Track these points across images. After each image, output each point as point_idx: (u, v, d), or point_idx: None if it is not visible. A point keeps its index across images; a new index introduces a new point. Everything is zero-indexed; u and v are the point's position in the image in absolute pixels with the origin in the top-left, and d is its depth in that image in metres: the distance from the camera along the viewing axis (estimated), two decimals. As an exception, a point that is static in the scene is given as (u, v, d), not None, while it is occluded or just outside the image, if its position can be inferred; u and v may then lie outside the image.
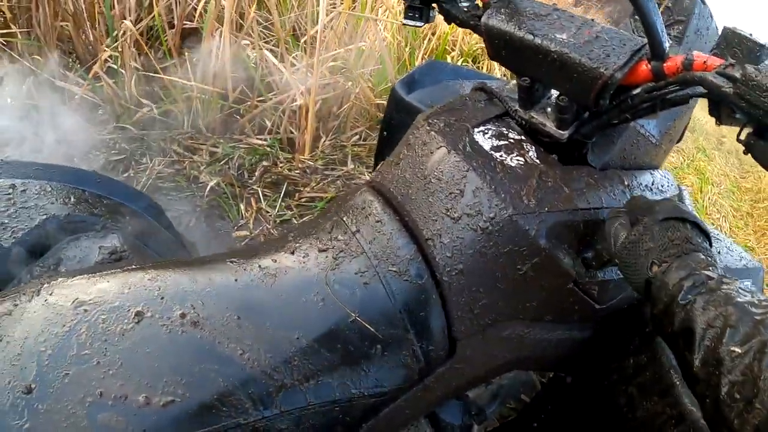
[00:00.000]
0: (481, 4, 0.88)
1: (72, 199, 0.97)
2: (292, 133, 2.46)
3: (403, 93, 1.31)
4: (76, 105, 2.22)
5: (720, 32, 0.76)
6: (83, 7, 2.30)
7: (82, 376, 0.59)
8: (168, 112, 2.38)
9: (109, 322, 0.63)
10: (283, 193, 2.25)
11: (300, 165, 2.37)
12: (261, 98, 2.41)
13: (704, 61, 0.64)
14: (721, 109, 0.63)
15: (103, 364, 0.60)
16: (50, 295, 0.66)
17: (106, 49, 2.19)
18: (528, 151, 0.83)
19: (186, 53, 2.40)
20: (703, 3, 0.90)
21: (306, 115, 2.33)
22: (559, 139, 0.81)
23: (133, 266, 0.74)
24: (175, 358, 0.63)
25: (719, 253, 0.97)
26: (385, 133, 1.42)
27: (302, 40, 2.50)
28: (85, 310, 0.64)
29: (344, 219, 0.85)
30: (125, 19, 2.21)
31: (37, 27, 2.27)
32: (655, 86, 0.69)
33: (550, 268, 0.77)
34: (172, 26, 2.41)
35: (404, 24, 0.99)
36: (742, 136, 0.62)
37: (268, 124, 2.46)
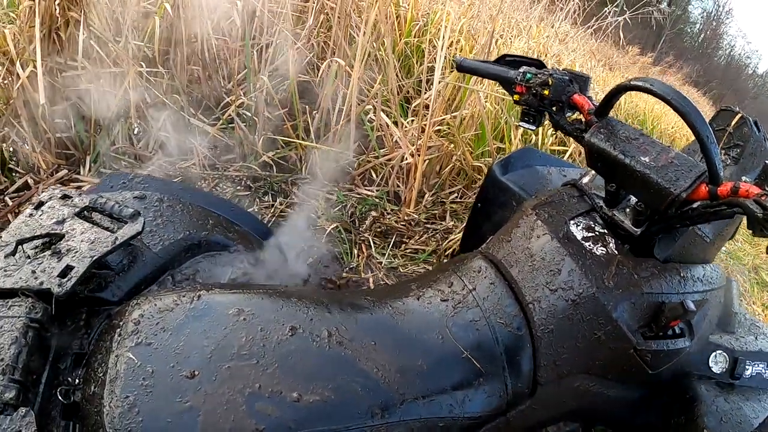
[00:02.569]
0: (583, 120, 1.10)
1: (210, 222, 1.12)
2: (398, 186, 2.65)
3: (499, 173, 1.51)
4: (207, 142, 2.48)
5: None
6: (215, 55, 2.59)
7: (243, 370, 0.71)
8: (287, 157, 2.61)
9: (266, 331, 0.78)
10: (392, 243, 2.41)
11: (405, 217, 2.54)
12: (374, 155, 2.62)
13: (747, 189, 0.82)
14: (755, 226, 0.79)
15: (261, 364, 0.73)
16: (210, 301, 0.80)
17: (243, 96, 2.44)
18: (609, 243, 1.03)
19: (307, 108, 2.66)
20: (758, 129, 1.09)
21: (414, 173, 2.52)
22: (633, 234, 1.01)
23: (282, 288, 0.92)
24: (322, 367, 0.78)
25: (756, 338, 1.13)
26: (479, 204, 1.61)
27: (412, 105, 2.73)
28: (245, 319, 0.78)
29: (462, 278, 1.07)
30: (260, 73, 2.49)
31: (174, 68, 2.52)
32: (710, 204, 0.88)
33: (618, 336, 0.95)
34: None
35: (519, 125, 1.26)
36: None
37: (376, 177, 2.66)
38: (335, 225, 2.34)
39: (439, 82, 2.48)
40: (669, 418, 1.04)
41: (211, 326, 0.75)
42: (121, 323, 0.75)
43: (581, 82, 1.16)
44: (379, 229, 2.46)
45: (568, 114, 1.17)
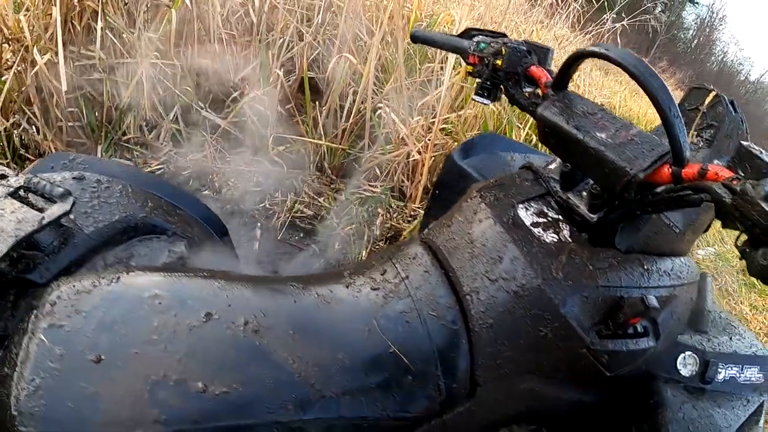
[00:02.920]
0: (541, 94, 1.02)
1: (150, 204, 1.06)
2: (403, 183, 2.69)
3: (458, 158, 1.42)
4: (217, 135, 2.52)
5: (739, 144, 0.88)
6: (224, 47, 2.62)
7: (150, 356, 0.67)
8: (294, 152, 2.64)
9: (180, 316, 0.72)
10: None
11: (411, 213, 2.59)
12: (381, 151, 2.66)
13: (716, 172, 0.72)
14: (723, 215, 0.70)
15: (170, 351, 0.68)
16: (129, 283, 0.75)
17: (256, 90, 2.48)
18: (563, 230, 0.94)
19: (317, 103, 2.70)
20: (735, 110, 0.99)
21: (421, 169, 2.57)
22: (589, 221, 0.92)
23: (205, 272, 0.86)
24: (234, 357, 0.72)
25: (731, 338, 1.04)
26: (437, 191, 1.53)
27: (416, 104, 2.78)
28: (160, 303, 0.73)
29: (396, 265, 0.98)
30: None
31: (184, 60, 2.52)
32: (674, 188, 0.79)
33: (567, 333, 0.86)
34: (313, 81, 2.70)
35: (473, 99, 1.14)
36: (739, 242, 0.70)
37: (380, 173, 2.71)
38: (348, 228, 2.38)
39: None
40: (631, 424, 0.95)
41: (125, 310, 0.71)
42: (38, 305, 0.72)
43: (541, 53, 1.08)
44: (389, 235, 2.50)
45: (527, 88, 1.07)
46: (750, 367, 1.00)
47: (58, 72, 2.16)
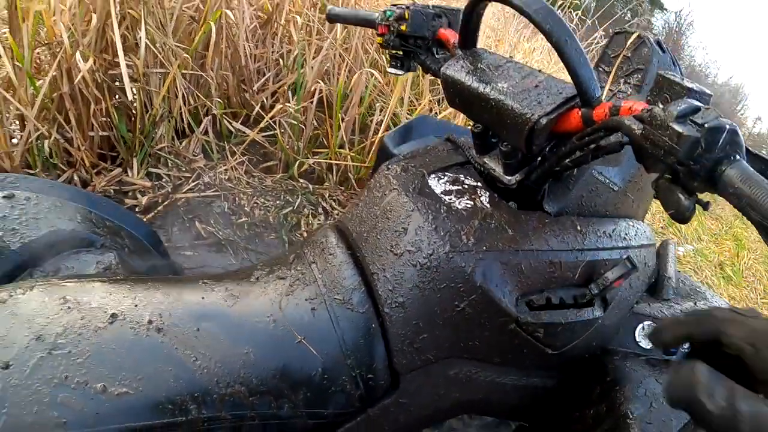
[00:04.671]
0: (451, 56, 0.95)
1: (78, 218, 1.06)
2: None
3: (391, 145, 1.34)
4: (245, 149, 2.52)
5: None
6: (251, 65, 2.64)
7: (54, 360, 0.66)
8: (316, 167, 2.69)
9: (86, 319, 0.71)
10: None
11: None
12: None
13: (630, 107, 0.64)
14: (639, 153, 0.61)
15: (74, 354, 0.67)
16: (42, 291, 0.75)
17: (287, 105, 2.51)
18: (480, 197, 0.85)
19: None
20: (662, 50, 0.89)
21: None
22: (508, 185, 0.83)
23: (119, 277, 0.87)
24: (136, 356, 0.70)
25: (695, 305, 0.95)
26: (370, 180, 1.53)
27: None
28: (69, 307, 0.72)
29: (305, 252, 0.91)
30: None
31: (210, 70, 2.51)
32: (585, 133, 0.70)
33: (489, 307, 0.77)
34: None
35: (389, 71, 1.10)
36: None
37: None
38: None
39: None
40: (586, 407, 0.86)
41: (35, 316, 0.70)
42: None
43: (452, 16, 1.01)
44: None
45: (439, 54, 1.02)
46: None
47: (96, 79, 2.11)
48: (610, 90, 0.91)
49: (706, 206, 0.57)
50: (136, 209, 2.12)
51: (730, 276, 4.50)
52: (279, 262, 0.92)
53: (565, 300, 0.80)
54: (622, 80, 0.92)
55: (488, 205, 0.83)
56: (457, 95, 0.86)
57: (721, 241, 5.17)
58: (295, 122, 2.48)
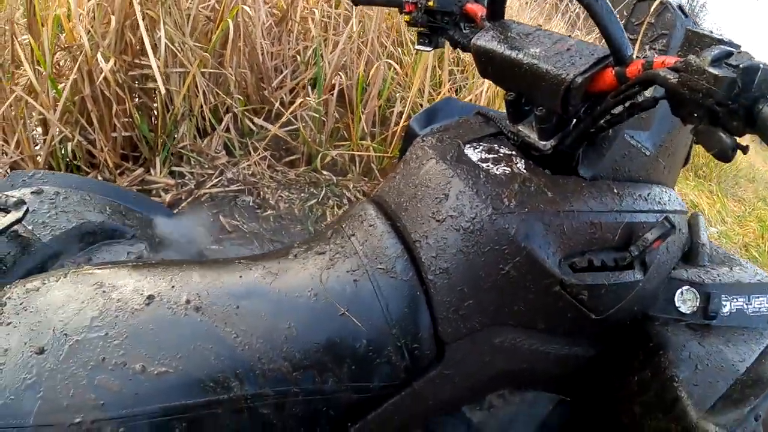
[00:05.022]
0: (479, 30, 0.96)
1: (108, 210, 1.06)
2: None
3: (418, 128, 1.33)
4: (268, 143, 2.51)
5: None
6: (268, 63, 2.64)
7: (90, 343, 0.66)
8: (339, 159, 2.66)
9: (122, 302, 0.71)
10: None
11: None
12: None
13: (662, 61, 0.64)
14: (674, 99, 0.62)
15: (110, 336, 0.67)
16: (76, 277, 0.75)
17: (308, 99, 2.49)
18: (516, 163, 0.85)
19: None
20: (685, 15, 0.90)
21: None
22: (543, 151, 0.83)
23: (153, 261, 0.86)
24: (175, 335, 0.69)
25: (731, 269, 0.94)
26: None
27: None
28: (104, 291, 0.72)
29: (343, 226, 0.90)
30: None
31: (229, 68, 2.49)
32: (619, 90, 0.71)
33: (534, 269, 0.76)
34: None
35: (416, 48, 1.12)
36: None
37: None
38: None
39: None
40: (630, 374, 0.85)
41: (70, 301, 0.71)
42: None
43: None
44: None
45: (467, 29, 1.02)
46: (758, 297, 0.90)
47: (117, 80, 2.12)
48: (636, 57, 0.94)
49: (745, 150, 0.59)
50: (161, 207, 2.11)
51: (756, 257, 4.40)
52: (317, 238, 0.91)
53: (607, 262, 0.79)
54: (647, 46, 0.94)
55: (525, 171, 0.83)
56: (490, 64, 0.86)
57: (745, 223, 5.07)
58: (317, 115, 2.46)
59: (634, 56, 0.71)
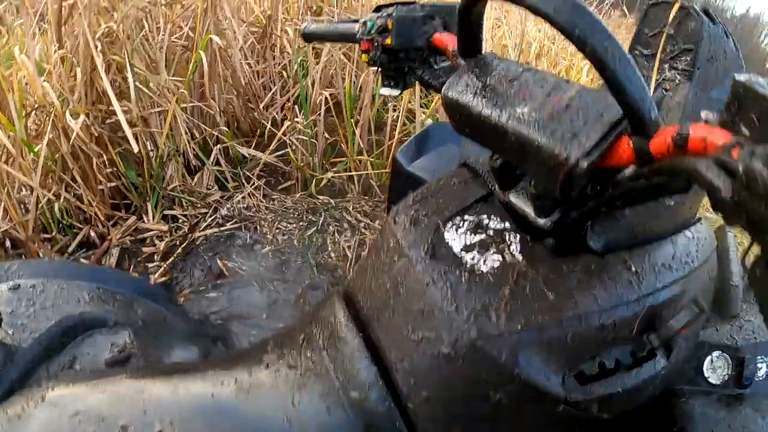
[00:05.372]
0: (452, 65, 0.78)
1: (87, 297, 1.05)
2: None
3: (405, 162, 1.17)
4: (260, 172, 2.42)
5: (731, 80, 0.49)
6: (255, 82, 2.53)
7: None
8: (335, 179, 2.55)
9: None
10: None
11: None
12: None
13: (704, 137, 0.43)
14: (723, 211, 0.40)
15: None
16: (54, 403, 0.74)
17: (297, 121, 2.38)
18: (509, 244, 0.68)
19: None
20: (713, 20, 0.68)
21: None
22: (542, 227, 0.65)
23: (126, 375, 0.82)
24: None
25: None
26: (392, 203, 1.19)
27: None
28: (80, 421, 0.70)
29: (314, 332, 0.79)
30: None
31: (212, 99, 2.41)
32: (640, 172, 0.51)
33: (531, 394, 0.63)
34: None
35: (381, 94, 0.93)
36: (750, 257, 0.40)
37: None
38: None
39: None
40: None
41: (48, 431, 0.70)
42: None
43: (447, 15, 0.82)
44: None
45: (442, 63, 0.83)
46: None
47: (93, 133, 2.06)
48: (654, 81, 0.71)
49: None
50: (155, 256, 2.06)
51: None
52: (288, 342, 0.81)
53: (622, 361, 0.64)
54: (666, 65, 0.71)
55: (520, 257, 0.66)
56: (466, 123, 0.66)
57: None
58: (306, 138, 2.35)
59: (652, 85, 0.55)
